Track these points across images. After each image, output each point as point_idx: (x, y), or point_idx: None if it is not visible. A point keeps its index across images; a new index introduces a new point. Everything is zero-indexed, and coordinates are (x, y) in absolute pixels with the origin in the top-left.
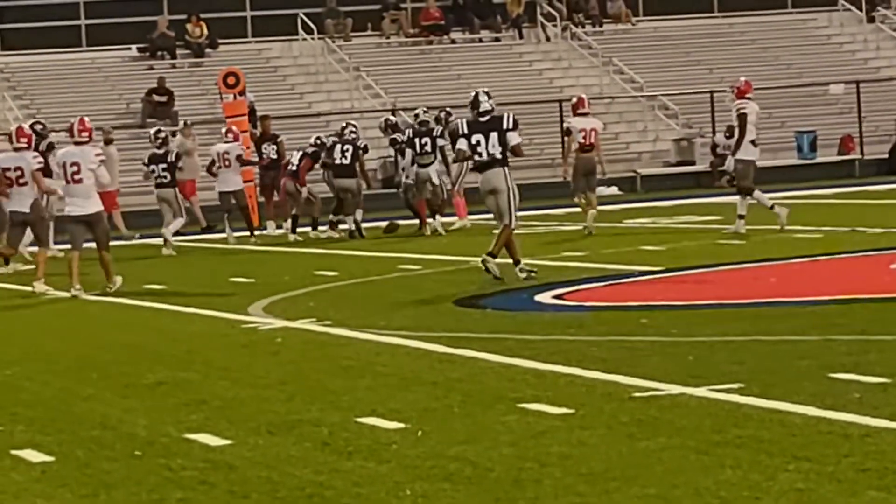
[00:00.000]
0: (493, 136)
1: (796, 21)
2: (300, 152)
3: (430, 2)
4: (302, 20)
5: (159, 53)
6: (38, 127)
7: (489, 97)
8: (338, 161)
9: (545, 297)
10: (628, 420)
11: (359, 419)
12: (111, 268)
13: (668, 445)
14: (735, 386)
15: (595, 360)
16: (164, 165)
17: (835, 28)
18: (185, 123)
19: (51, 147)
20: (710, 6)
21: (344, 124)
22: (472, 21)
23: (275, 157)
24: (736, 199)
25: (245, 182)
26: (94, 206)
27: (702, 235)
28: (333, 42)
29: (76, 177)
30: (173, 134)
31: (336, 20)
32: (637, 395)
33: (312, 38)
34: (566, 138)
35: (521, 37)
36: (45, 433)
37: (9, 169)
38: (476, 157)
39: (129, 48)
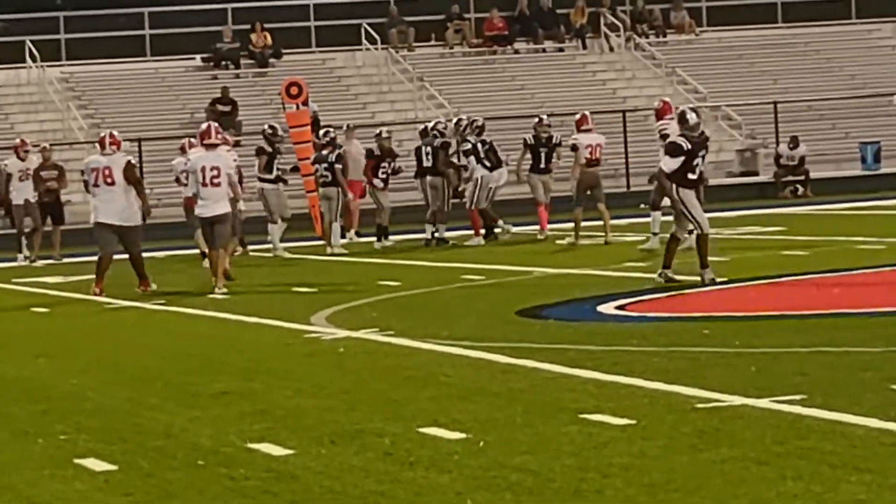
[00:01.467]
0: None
1: (861, 31)
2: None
3: (493, 12)
4: (365, 30)
5: (223, 63)
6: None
7: (697, 115)
8: (424, 164)
9: (607, 308)
10: (690, 431)
11: (421, 429)
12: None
13: (729, 457)
14: (797, 397)
15: (657, 371)
16: (326, 165)
17: None
18: (349, 126)
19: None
20: (774, 16)
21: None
22: (536, 31)
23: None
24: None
25: (309, 192)
26: (224, 207)
27: (766, 246)
28: (397, 52)
29: (215, 180)
30: (238, 143)
31: (399, 30)
32: (699, 406)
33: (376, 49)
34: (574, 153)
35: (584, 47)
36: (109, 442)
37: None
38: (690, 175)
39: (193, 58)
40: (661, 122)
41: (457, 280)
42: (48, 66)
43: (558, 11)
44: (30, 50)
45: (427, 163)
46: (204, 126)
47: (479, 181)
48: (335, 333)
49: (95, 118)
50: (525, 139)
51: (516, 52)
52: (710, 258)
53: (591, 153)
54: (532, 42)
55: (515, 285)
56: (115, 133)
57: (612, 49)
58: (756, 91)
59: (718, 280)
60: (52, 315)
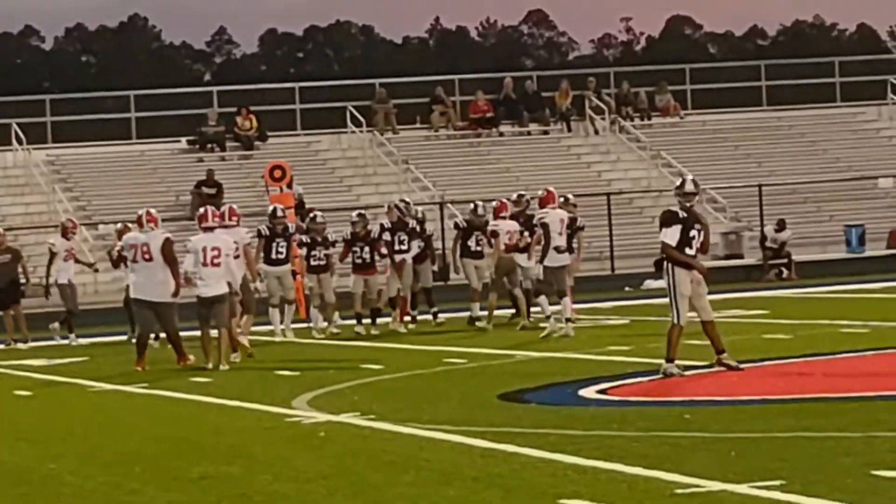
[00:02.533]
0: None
1: (846, 115)
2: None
3: (478, 95)
4: (350, 113)
5: (209, 146)
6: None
7: (695, 184)
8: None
9: (589, 392)
10: None
11: None
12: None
13: None
14: (776, 483)
15: (637, 457)
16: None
17: (884, 122)
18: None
19: None
20: (759, 99)
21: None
22: (521, 114)
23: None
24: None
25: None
26: (223, 287)
27: (749, 329)
28: (382, 135)
29: (216, 260)
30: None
31: (384, 112)
32: (678, 491)
33: (361, 131)
34: (493, 240)
35: (569, 130)
36: None
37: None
38: (688, 249)
39: (179, 141)
40: (541, 210)
41: (439, 363)
42: (34, 148)
43: (543, 94)
44: (16, 132)
45: (477, 247)
46: (201, 210)
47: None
48: (316, 417)
49: (81, 200)
50: (456, 223)
51: (501, 134)
52: (690, 341)
53: (510, 239)
54: (517, 125)
55: (498, 369)
56: (153, 210)
57: (596, 132)
58: (741, 174)
59: (702, 364)
60: (34, 398)
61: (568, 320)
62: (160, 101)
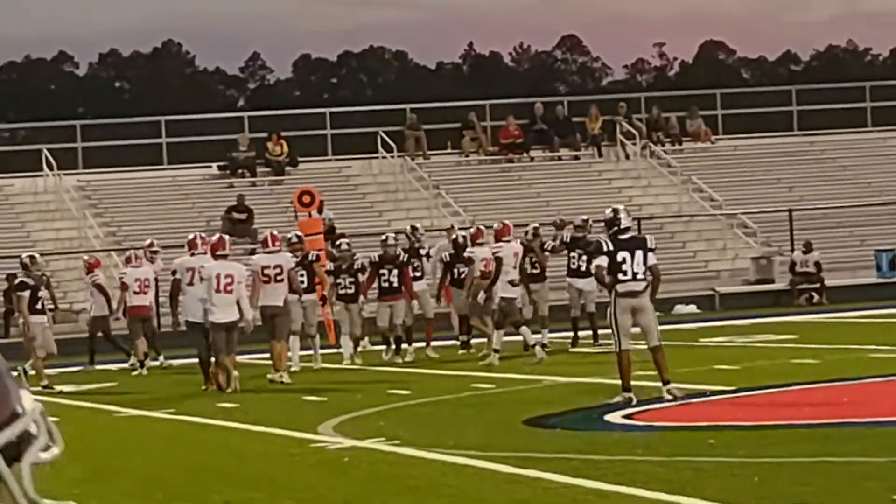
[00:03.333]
0: (639, 254)
1: (876, 139)
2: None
3: (509, 120)
4: (381, 138)
5: (239, 171)
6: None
7: (628, 214)
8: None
9: (614, 417)
10: None
11: None
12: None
13: None
14: None
15: (660, 482)
16: (350, 277)
17: None
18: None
19: None
20: (789, 124)
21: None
22: (552, 139)
23: None
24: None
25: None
26: (235, 314)
27: (777, 354)
28: (413, 160)
29: (229, 287)
30: (252, 252)
31: (415, 137)
32: None
33: (392, 156)
34: (469, 266)
35: (600, 155)
36: None
37: (268, 267)
38: (621, 276)
39: (210, 166)
40: (497, 244)
41: (466, 389)
42: (65, 174)
43: (574, 119)
44: (46, 158)
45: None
46: (216, 237)
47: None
48: (341, 443)
49: (112, 226)
50: (441, 256)
51: (532, 159)
52: (720, 366)
53: (485, 266)
54: (548, 150)
55: (524, 394)
56: (227, 237)
57: (627, 157)
58: (771, 199)
59: (729, 388)
60: (60, 423)
61: (528, 347)
62: (191, 126)
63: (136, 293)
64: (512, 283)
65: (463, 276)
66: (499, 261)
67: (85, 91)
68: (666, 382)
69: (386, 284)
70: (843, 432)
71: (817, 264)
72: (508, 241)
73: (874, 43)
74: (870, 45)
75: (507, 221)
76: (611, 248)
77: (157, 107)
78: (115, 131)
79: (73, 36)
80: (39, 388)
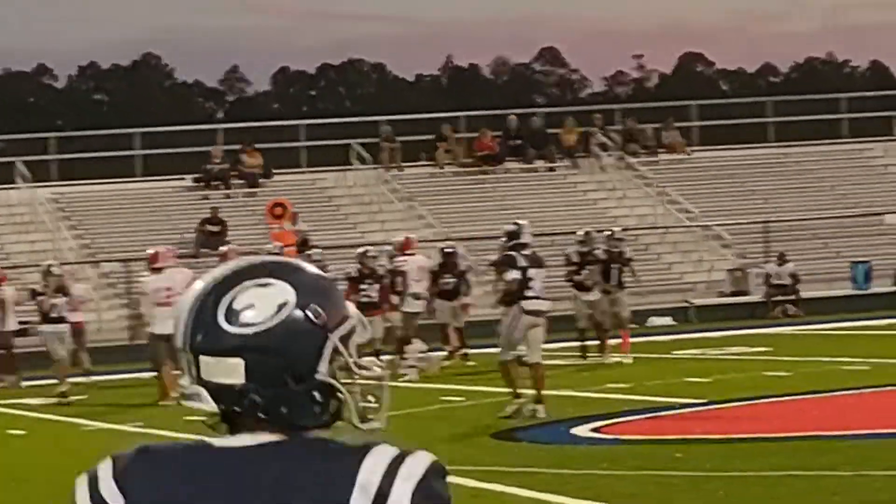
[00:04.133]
0: (541, 272)
1: (852, 151)
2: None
3: (483, 132)
4: (356, 150)
5: (214, 183)
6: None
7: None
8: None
9: (582, 430)
10: None
11: None
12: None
13: None
14: None
15: (624, 496)
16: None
17: (891, 158)
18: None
19: None
20: (765, 136)
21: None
22: (527, 151)
23: None
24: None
25: None
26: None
27: (750, 366)
28: (387, 172)
29: (167, 299)
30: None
31: (390, 149)
32: None
33: (366, 168)
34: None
35: (575, 166)
36: None
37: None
38: (528, 292)
39: (184, 178)
40: (400, 257)
41: (436, 402)
42: (38, 186)
43: (549, 131)
44: (20, 170)
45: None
46: (150, 251)
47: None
48: None
49: (85, 238)
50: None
51: (507, 171)
52: (692, 378)
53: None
54: (523, 161)
55: (495, 407)
56: (164, 250)
57: (602, 169)
58: (747, 210)
59: (699, 401)
60: (27, 437)
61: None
62: (166, 138)
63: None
64: (415, 296)
65: (449, 287)
66: (402, 274)
67: (64, 103)
68: (538, 402)
69: (365, 299)
70: (813, 445)
71: (793, 276)
72: (412, 255)
73: (853, 55)
74: (849, 57)
75: (411, 235)
76: (523, 263)
77: (136, 119)
78: (88, 143)
79: (53, 49)
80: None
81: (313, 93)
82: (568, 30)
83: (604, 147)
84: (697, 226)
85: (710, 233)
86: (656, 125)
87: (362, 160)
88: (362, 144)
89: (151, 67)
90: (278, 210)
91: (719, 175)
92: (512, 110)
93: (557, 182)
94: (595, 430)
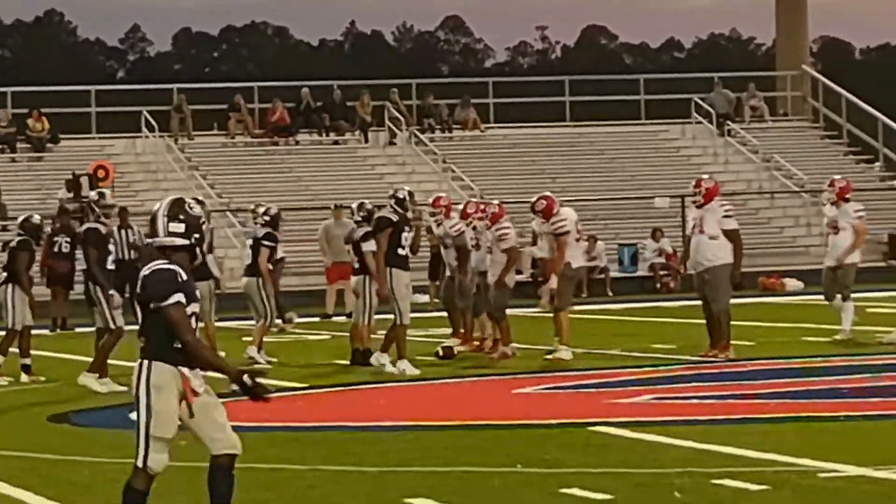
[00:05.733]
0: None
1: (648, 133)
2: None
3: (275, 102)
4: (146, 118)
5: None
6: None
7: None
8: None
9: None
10: None
11: None
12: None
13: None
14: None
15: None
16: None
17: (686, 141)
18: (336, 206)
19: None
20: (562, 115)
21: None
22: (320, 123)
23: None
24: None
25: None
26: None
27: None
28: (177, 141)
29: None
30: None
31: (180, 118)
32: None
33: (155, 136)
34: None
35: (366, 140)
36: None
37: None
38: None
39: None
40: None
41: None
42: None
43: (348, 104)
44: None
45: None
46: None
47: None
48: None
49: None
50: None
51: (297, 143)
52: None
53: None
54: (316, 134)
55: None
56: None
57: (393, 143)
58: (533, 189)
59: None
60: None
61: None
62: None
63: None
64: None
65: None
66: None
67: None
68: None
69: None
70: (357, 436)
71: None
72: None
73: (758, 32)
74: (754, 34)
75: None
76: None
77: (36, 76)
78: None
79: None
80: None
81: (216, 55)
82: None
83: (398, 122)
84: (482, 202)
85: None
86: (452, 101)
87: (151, 128)
88: (152, 112)
89: (54, 24)
90: (101, 172)
91: (511, 153)
92: (405, 80)
93: (347, 155)
94: None
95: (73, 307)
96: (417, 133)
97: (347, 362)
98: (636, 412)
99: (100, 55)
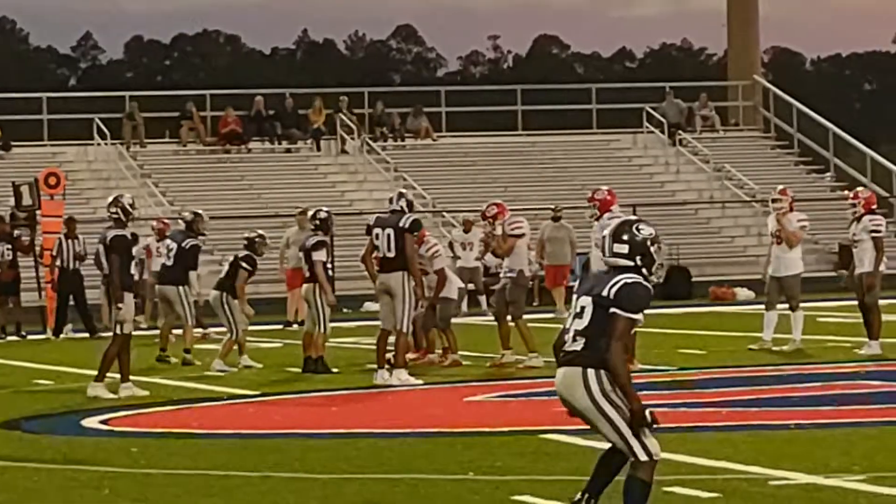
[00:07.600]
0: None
1: (600, 142)
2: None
3: (228, 110)
4: (98, 126)
5: None
6: None
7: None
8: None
9: (91, 422)
10: None
11: None
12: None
13: None
14: None
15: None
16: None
17: (638, 150)
18: (301, 212)
19: None
20: (514, 125)
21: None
22: (272, 131)
23: None
24: None
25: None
26: None
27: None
28: (129, 149)
29: None
30: None
31: (132, 125)
32: None
33: (107, 144)
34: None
35: (318, 148)
36: None
37: None
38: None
39: None
40: None
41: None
42: None
43: (300, 112)
44: None
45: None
46: None
47: None
48: None
49: None
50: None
51: (249, 151)
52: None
53: None
54: (268, 142)
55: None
56: None
57: (345, 151)
58: (486, 198)
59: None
60: None
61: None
62: None
63: None
64: None
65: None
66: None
67: None
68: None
69: None
70: (309, 444)
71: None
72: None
73: (709, 42)
74: (705, 44)
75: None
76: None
77: None
78: None
79: None
80: None
81: (168, 63)
82: (424, 7)
83: (350, 130)
84: (429, 211)
85: (440, 220)
86: (405, 110)
87: (103, 136)
88: (104, 120)
89: (6, 32)
90: (52, 180)
91: (463, 162)
92: (362, 89)
93: (299, 163)
94: (104, 422)
95: (24, 314)
96: (369, 142)
97: (300, 370)
98: None
99: (51, 62)
